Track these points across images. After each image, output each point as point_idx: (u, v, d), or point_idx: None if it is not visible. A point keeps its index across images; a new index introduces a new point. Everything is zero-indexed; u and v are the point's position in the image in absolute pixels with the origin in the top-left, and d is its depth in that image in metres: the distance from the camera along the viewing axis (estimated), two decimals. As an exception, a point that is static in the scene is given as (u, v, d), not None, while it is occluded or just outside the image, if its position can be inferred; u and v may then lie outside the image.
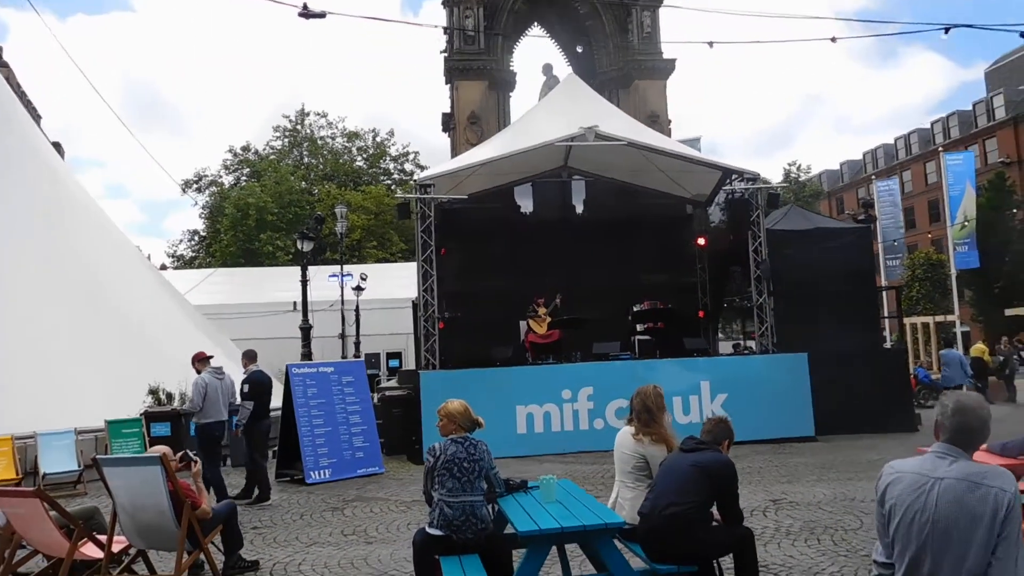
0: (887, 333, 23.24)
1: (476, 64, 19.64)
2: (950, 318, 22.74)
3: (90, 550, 5.84)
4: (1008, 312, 27.28)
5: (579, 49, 22.26)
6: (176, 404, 12.99)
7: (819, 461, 10.95)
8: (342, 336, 27.14)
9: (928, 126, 55.34)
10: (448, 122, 21.94)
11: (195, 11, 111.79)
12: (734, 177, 15.68)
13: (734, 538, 4.61)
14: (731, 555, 4.68)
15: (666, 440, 5.20)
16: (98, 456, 5.96)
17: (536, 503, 5.10)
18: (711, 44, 12.79)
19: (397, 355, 28.92)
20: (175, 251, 48.15)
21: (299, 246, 19.75)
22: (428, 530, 5.13)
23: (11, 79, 32.63)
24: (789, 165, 51.96)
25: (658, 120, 19.35)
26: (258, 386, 10.18)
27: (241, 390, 10.17)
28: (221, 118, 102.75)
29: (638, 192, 18.10)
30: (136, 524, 5.79)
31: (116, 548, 5.87)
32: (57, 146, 31.97)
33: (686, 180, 17.19)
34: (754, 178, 15.01)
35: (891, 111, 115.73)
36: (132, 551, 6.12)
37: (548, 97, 18.06)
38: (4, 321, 12.77)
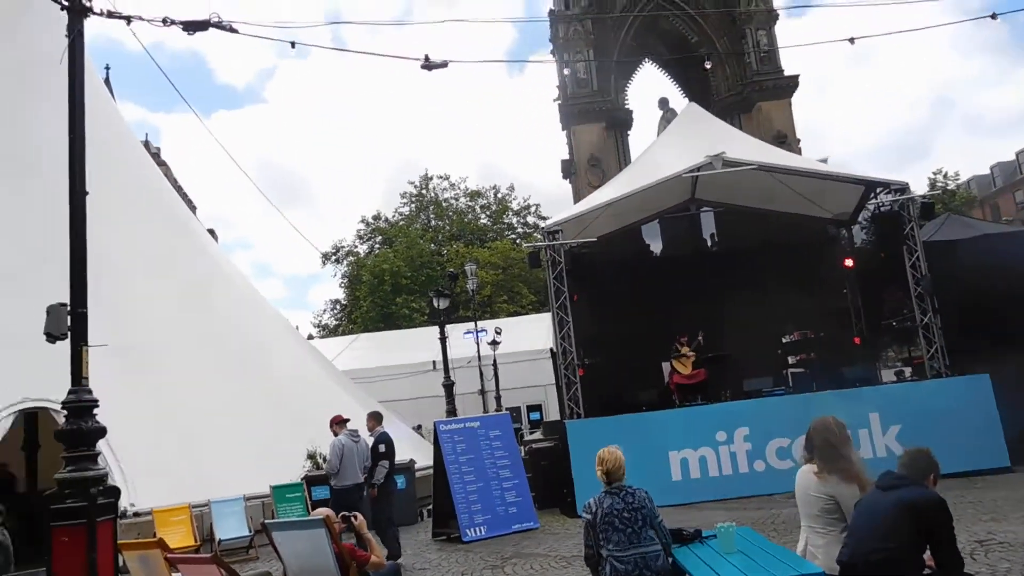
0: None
1: (591, 106, 19.62)
2: None
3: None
4: None
5: (705, 66, 21.66)
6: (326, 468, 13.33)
7: (1021, 495, 9.75)
8: (482, 392, 27.35)
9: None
10: (568, 168, 21.97)
11: (318, 95, 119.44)
12: (879, 190, 14.68)
13: (955, 586, 4.01)
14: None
15: (857, 478, 4.65)
16: (266, 521, 6.05)
17: (715, 554, 4.69)
18: (852, 40, 11.94)
19: (537, 407, 28.79)
20: (320, 321, 50.48)
21: (435, 304, 20.09)
22: (606, 585, 4.81)
23: (169, 175, 35.66)
24: (935, 174, 48.55)
25: (786, 141, 18.56)
26: (391, 446, 10.27)
27: (376, 450, 10.26)
28: (351, 190, 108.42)
29: (773, 217, 17.28)
30: (306, 590, 5.79)
31: (290, 615, 5.88)
32: (212, 232, 34.49)
33: (824, 200, 16.28)
34: (903, 188, 13.98)
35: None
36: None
37: (668, 129, 17.73)
38: (173, 397, 13.55)
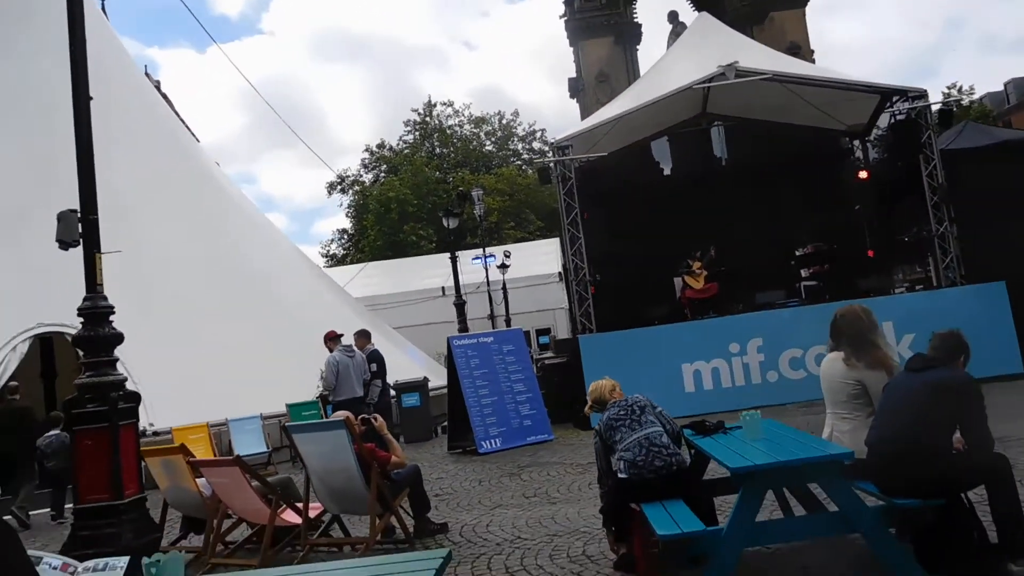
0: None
1: (599, 20, 19.02)
2: None
3: (289, 516, 5.95)
4: None
5: None
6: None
7: (1034, 398, 9.74)
8: (491, 317, 27.43)
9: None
10: (576, 86, 21.47)
11: (315, 25, 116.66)
12: (896, 99, 14.29)
13: (986, 465, 3.96)
14: (983, 487, 4.04)
15: (884, 363, 4.59)
16: (288, 424, 6.06)
17: (741, 441, 4.66)
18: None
19: (546, 331, 28.91)
20: (327, 251, 50.43)
21: (445, 223, 19.90)
22: (619, 475, 4.83)
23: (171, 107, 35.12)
24: (949, 88, 47.27)
25: (799, 52, 18.03)
26: (383, 363, 10.32)
27: (368, 368, 10.31)
28: (353, 121, 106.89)
29: (786, 130, 16.85)
30: (328, 489, 5.83)
31: (312, 513, 5.95)
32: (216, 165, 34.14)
33: (839, 111, 15.85)
34: (922, 95, 13.59)
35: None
36: (327, 516, 6.19)
37: (680, 41, 17.20)
38: (191, 323, 13.58)
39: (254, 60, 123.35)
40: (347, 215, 49.09)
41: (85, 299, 5.77)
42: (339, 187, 49.27)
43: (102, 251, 5.78)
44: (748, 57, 14.24)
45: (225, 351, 13.45)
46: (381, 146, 50.69)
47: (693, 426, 5.17)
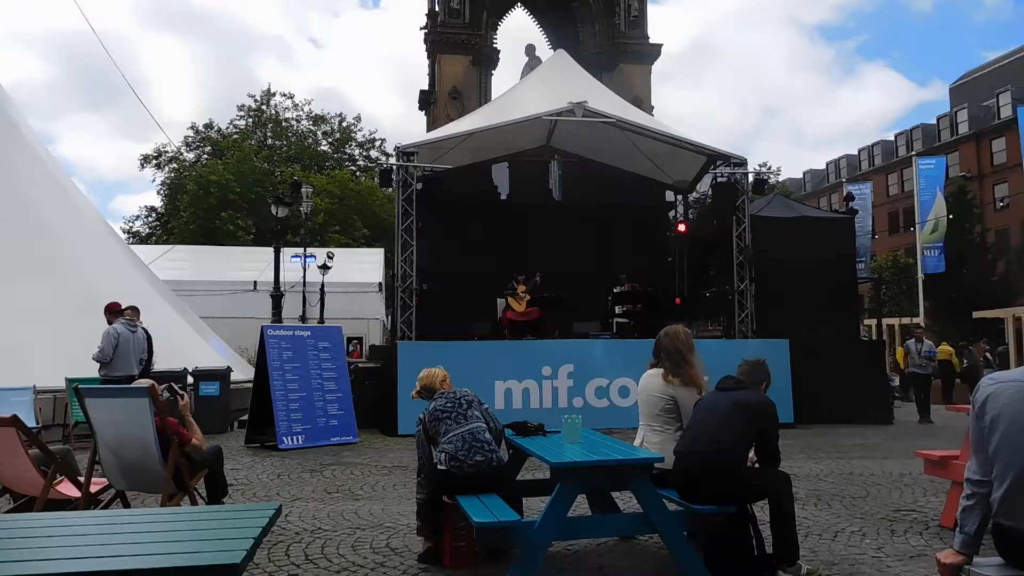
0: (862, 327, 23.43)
1: (460, 38, 19.28)
2: (915, 320, 23.12)
3: (65, 489, 5.40)
4: (976, 315, 27.95)
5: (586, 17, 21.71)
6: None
7: (804, 444, 10.86)
8: (303, 319, 26.55)
9: (892, 138, 56.50)
10: (427, 99, 21.53)
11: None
12: (719, 163, 15.60)
13: (773, 480, 4.39)
14: (767, 500, 4.45)
15: (696, 382, 4.98)
16: (81, 386, 5.51)
17: (560, 443, 4.84)
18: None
19: (358, 340, 28.43)
20: (131, 227, 46.73)
21: (274, 211, 19.09)
22: (437, 466, 4.85)
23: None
24: (760, 166, 52.27)
25: (641, 105, 19.21)
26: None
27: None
28: (180, 96, 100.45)
29: (619, 176, 17.93)
30: (119, 462, 5.37)
31: (94, 488, 5.44)
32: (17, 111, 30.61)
33: (669, 166, 17.07)
34: (742, 163, 14.94)
35: (847, 126, 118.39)
36: (108, 494, 5.69)
37: (536, 71, 17.79)
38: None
39: (68, 10, 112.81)
40: (159, 193, 45.88)
41: None
42: (154, 161, 45.96)
43: None
44: (597, 99, 15.00)
45: (3, 312, 12.05)
46: (209, 126, 48.04)
47: (515, 427, 5.30)
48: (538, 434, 5.21)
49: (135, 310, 10.21)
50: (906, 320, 24.97)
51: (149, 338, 10.07)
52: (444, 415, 4.91)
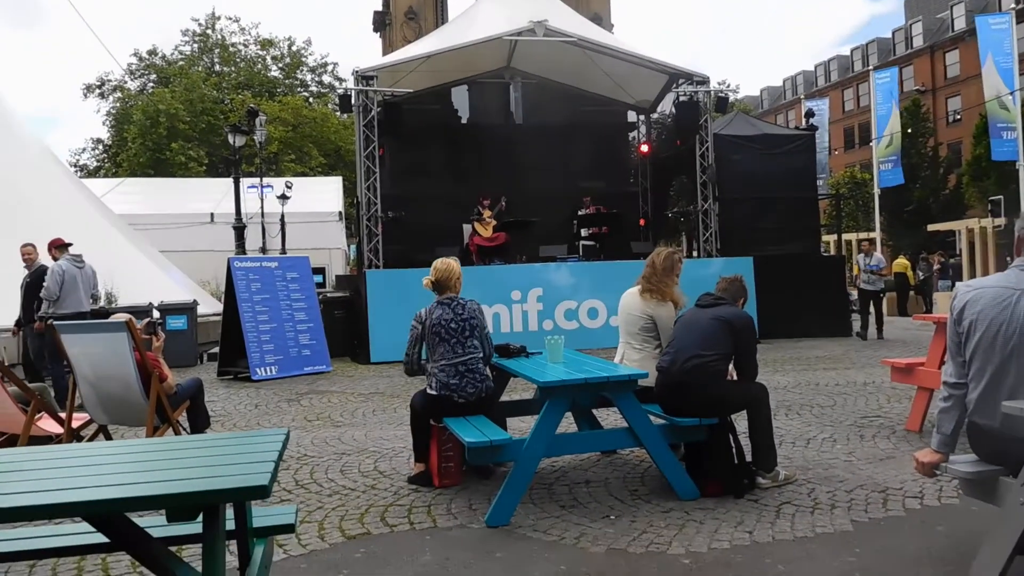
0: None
1: (415, -46, 18.58)
2: (872, 235, 23.65)
3: (47, 425, 5.37)
4: (931, 227, 28.64)
5: None
6: (103, 303, 12.29)
7: (769, 358, 11.16)
8: (263, 250, 26.20)
9: (848, 53, 56.53)
10: (382, 20, 20.86)
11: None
12: (681, 82, 15.50)
13: (752, 392, 4.55)
14: (745, 412, 4.62)
15: (674, 299, 5.08)
16: (56, 322, 5.41)
17: (543, 363, 4.93)
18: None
19: (320, 270, 28.21)
20: (77, 160, 45.11)
21: (231, 140, 18.56)
22: (428, 391, 4.92)
23: None
24: (719, 83, 51.99)
25: (601, 23, 18.88)
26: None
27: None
28: (115, 16, 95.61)
29: (581, 96, 17.73)
30: (99, 396, 5.34)
31: (76, 424, 5.42)
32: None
33: (631, 85, 16.92)
34: (704, 81, 14.86)
35: (803, 41, 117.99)
36: (90, 429, 5.68)
37: (495, -11, 17.26)
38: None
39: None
40: (104, 124, 44.17)
41: None
42: (98, 91, 44.10)
43: None
44: (558, 18, 14.70)
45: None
46: (153, 53, 46.03)
47: (498, 349, 5.35)
48: (521, 355, 5.29)
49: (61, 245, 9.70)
50: (863, 235, 25.61)
51: (94, 274, 9.69)
52: (446, 335, 4.81)
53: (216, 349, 12.26)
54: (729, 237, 14.75)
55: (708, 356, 4.40)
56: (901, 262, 20.82)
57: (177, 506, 1.84)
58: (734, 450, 4.55)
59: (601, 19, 19.07)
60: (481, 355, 4.92)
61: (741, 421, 4.67)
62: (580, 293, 13.28)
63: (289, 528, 2.63)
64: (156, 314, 12.04)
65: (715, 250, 14.71)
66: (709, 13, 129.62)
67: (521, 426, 6.11)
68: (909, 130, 30.55)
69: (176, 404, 5.64)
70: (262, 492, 1.82)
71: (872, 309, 13.99)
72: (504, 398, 5.96)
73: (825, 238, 24.90)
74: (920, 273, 21.17)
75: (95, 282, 9.44)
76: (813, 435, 5.98)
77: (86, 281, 9.14)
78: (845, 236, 24.29)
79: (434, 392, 4.84)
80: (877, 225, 27.64)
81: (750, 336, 4.58)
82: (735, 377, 4.65)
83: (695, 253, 15.54)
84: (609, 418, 6.15)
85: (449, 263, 5.08)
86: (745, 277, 13.51)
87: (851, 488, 4.49)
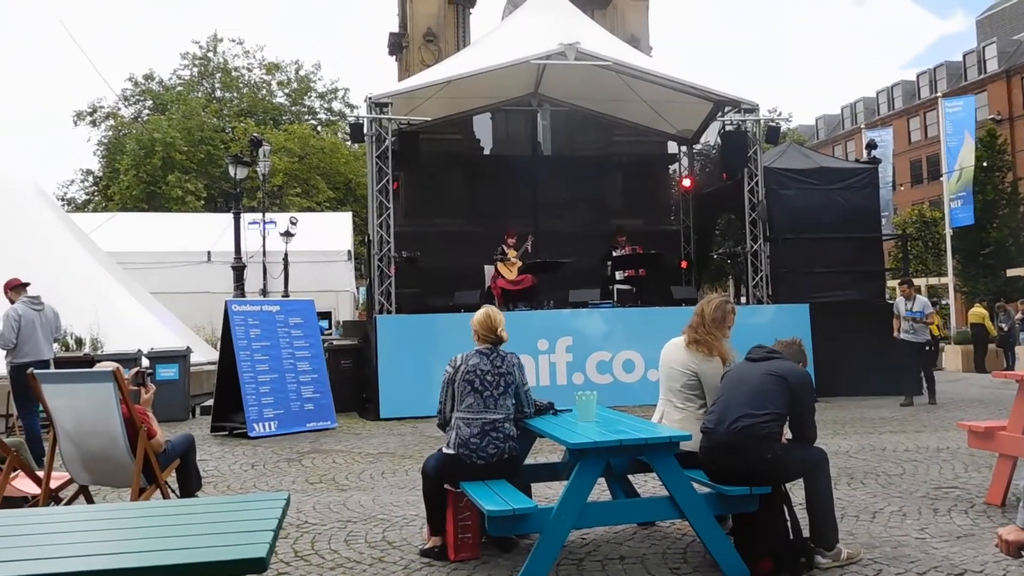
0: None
1: (433, -28, 19.06)
2: (943, 280, 23.35)
3: (23, 485, 5.41)
4: (1010, 272, 28.19)
5: None
6: (87, 350, 12.47)
7: (828, 417, 11.00)
8: (264, 292, 26.48)
9: (913, 78, 56.64)
10: (398, 43, 21.31)
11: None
12: (728, 109, 15.60)
13: (810, 457, 4.47)
14: (801, 480, 4.54)
15: (722, 354, 5.04)
16: (36, 371, 5.48)
17: (574, 422, 4.90)
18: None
19: (327, 315, 28.42)
20: (65, 193, 46.10)
21: (232, 172, 18.92)
22: (444, 450, 4.90)
23: None
24: (770, 112, 52.28)
25: (638, 45, 19.14)
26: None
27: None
28: (109, 41, 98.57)
29: (616, 125, 17.95)
30: (81, 454, 5.38)
31: (54, 483, 5.45)
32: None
33: (671, 113, 17.06)
34: (753, 109, 14.93)
35: (863, 64, 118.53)
36: (72, 488, 5.71)
37: (520, 9, 17.61)
38: None
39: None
40: (95, 153, 45.21)
41: None
42: (89, 118, 45.25)
43: None
44: (591, 40, 14.90)
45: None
46: (149, 77, 47.26)
47: (522, 404, 5.33)
48: (548, 412, 5.27)
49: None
50: (934, 280, 25.32)
51: (56, 316, 9.77)
52: (480, 385, 4.85)
53: (210, 402, 12.35)
54: (781, 282, 14.67)
55: (760, 416, 4.35)
56: (978, 311, 20.54)
57: (164, 580, 1.83)
58: (789, 524, 4.47)
59: (639, 41, 19.29)
60: (510, 416, 4.91)
61: (797, 491, 4.60)
62: (614, 343, 13.24)
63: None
64: (145, 362, 12.18)
65: (766, 296, 14.63)
66: (758, 35, 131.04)
67: (548, 493, 6.07)
68: (984, 163, 30.29)
69: (165, 463, 5.66)
70: (259, 565, 1.81)
71: (918, 364, 12.87)
72: (529, 460, 5.93)
73: (890, 283, 24.70)
74: (1001, 324, 20.86)
75: (57, 324, 9.48)
76: (880, 508, 5.87)
77: (46, 325, 9.17)
78: (915, 281, 23.97)
79: (451, 451, 4.82)
80: (950, 269, 27.33)
81: (808, 393, 4.52)
82: (790, 440, 4.59)
83: (743, 299, 15.47)
84: (647, 485, 6.08)
85: (494, 312, 5.23)
86: (800, 327, 13.46)
87: (924, 570, 4.39)
